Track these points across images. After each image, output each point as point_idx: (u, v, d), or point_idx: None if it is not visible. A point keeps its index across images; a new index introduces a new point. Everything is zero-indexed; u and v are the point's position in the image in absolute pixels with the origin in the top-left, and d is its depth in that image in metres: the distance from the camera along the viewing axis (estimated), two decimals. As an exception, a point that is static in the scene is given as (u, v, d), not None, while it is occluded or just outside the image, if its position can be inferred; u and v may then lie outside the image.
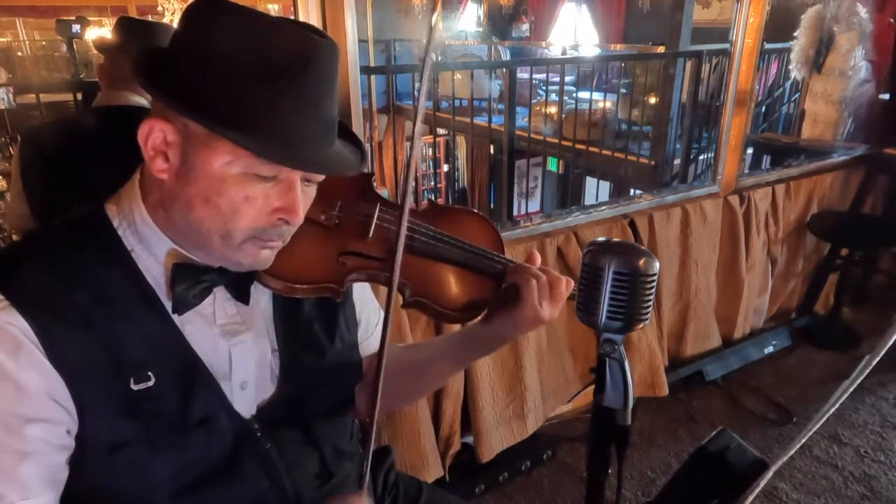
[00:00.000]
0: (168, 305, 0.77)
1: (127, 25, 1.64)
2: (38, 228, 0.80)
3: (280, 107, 0.70)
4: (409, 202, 0.79)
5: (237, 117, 0.68)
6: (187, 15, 0.72)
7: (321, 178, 0.79)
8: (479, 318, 0.98)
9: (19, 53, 8.98)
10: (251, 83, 0.68)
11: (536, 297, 0.90)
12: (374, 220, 0.91)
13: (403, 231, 0.78)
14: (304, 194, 0.77)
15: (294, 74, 0.69)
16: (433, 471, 2.09)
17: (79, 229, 0.77)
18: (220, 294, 0.81)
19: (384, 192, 1.55)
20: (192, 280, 0.77)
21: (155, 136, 0.71)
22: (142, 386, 0.74)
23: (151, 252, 0.77)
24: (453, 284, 0.96)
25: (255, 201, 0.72)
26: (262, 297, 0.87)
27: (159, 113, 0.72)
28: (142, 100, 1.57)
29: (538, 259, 0.97)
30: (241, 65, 0.68)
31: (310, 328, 0.91)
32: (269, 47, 0.68)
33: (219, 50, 0.68)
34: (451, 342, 1.05)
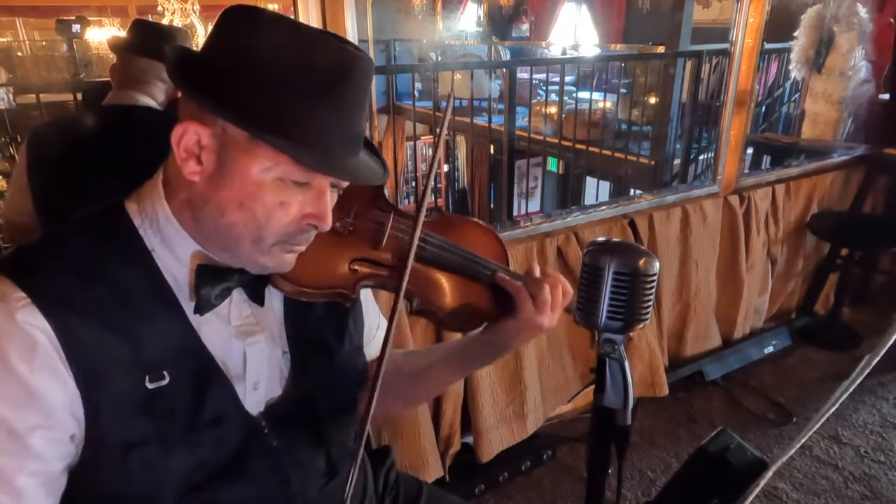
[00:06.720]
0: (186, 305, 0.77)
1: (141, 28, 1.67)
2: (57, 225, 0.79)
3: (319, 116, 0.71)
4: (422, 218, 0.83)
5: (278, 124, 0.69)
6: (224, 21, 0.72)
7: (346, 184, 0.80)
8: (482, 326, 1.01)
9: (19, 53, 9.00)
10: (293, 91, 0.69)
11: (531, 304, 0.94)
12: (388, 229, 0.92)
13: (415, 245, 0.81)
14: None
15: (334, 85, 0.71)
16: (433, 471, 2.09)
17: (99, 227, 0.77)
18: (236, 295, 0.82)
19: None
20: (215, 281, 0.77)
21: (188, 138, 0.71)
22: (157, 385, 0.74)
23: (173, 252, 0.77)
24: (460, 295, 0.97)
25: (289, 207, 0.74)
26: (274, 299, 0.87)
27: (193, 116, 0.71)
28: (149, 100, 1.59)
29: (536, 270, 1.00)
30: (285, 73, 0.69)
31: (320, 330, 0.92)
32: (311, 58, 0.69)
33: (262, 57, 0.69)
34: (454, 349, 1.05)
